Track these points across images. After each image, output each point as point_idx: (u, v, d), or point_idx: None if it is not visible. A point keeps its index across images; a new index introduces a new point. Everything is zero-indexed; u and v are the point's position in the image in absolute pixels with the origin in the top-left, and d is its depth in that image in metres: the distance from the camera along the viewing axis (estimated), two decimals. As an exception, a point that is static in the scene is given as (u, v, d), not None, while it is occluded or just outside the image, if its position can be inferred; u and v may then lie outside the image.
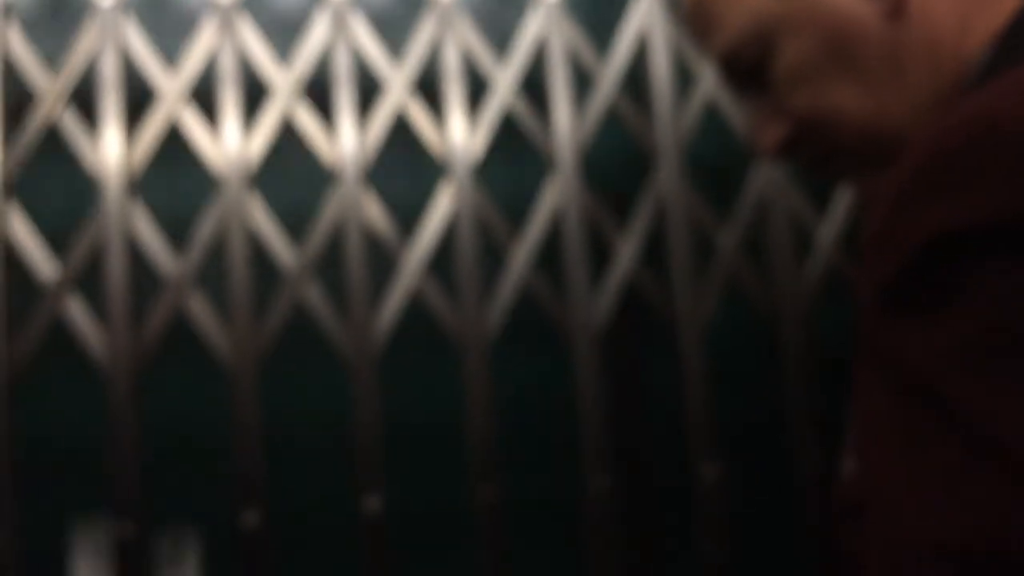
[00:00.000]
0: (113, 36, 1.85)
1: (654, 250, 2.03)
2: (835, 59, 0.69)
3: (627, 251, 1.95)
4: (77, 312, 1.77)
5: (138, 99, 1.94)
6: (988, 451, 0.45)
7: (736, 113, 2.02)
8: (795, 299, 1.97)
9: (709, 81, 2.02)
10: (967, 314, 0.47)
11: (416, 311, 1.97)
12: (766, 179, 2.01)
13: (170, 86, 1.86)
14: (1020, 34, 0.61)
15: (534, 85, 2.06)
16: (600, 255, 2.00)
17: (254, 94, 1.97)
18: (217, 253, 1.90)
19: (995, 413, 0.45)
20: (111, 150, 1.82)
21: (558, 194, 1.93)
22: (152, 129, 1.85)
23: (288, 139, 1.99)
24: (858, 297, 0.54)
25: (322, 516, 1.91)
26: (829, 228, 2.02)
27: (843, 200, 2.03)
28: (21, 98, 1.90)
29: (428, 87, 2.03)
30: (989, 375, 0.46)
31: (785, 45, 0.70)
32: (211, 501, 1.89)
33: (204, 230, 1.83)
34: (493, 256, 1.98)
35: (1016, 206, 0.46)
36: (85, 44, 1.84)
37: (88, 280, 1.85)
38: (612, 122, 2.09)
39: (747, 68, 0.74)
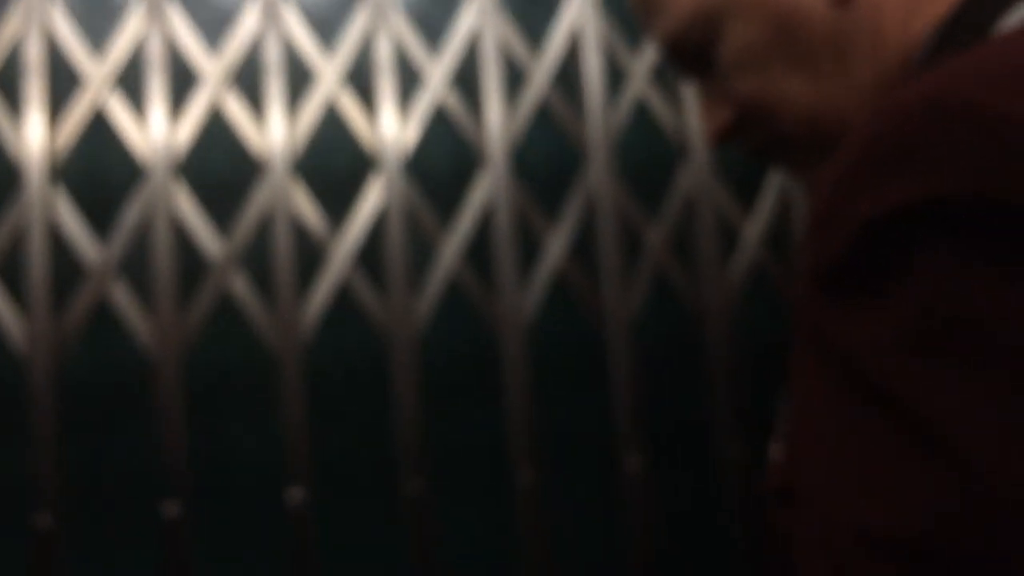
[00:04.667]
0: (38, 19, 1.82)
1: (583, 245, 2.04)
2: (780, 45, 0.68)
3: (556, 245, 1.96)
4: (-4, 299, 1.74)
5: (63, 84, 1.91)
6: (924, 438, 0.44)
7: (666, 111, 2.05)
8: (721, 295, 2.00)
9: (640, 79, 2.04)
10: (908, 300, 0.46)
11: (344, 303, 1.96)
12: (694, 177, 2.03)
13: (96, 71, 1.84)
14: (964, 19, 0.61)
15: (466, 79, 2.06)
16: (529, 249, 2.01)
17: (182, 82, 1.95)
18: (141, 241, 1.88)
19: (932, 401, 0.44)
20: (34, 135, 1.78)
21: (488, 188, 1.94)
22: (77, 115, 1.82)
23: (216, 128, 1.97)
24: (785, 291, 0.54)
25: (246, 507, 1.90)
26: (755, 226, 2.05)
27: (769, 199, 2.06)
28: (-59, 80, 1.86)
29: (360, 79, 2.02)
30: (928, 362, 0.45)
31: (730, 30, 0.70)
32: (132, 491, 1.86)
33: (129, 218, 1.81)
34: (422, 249, 1.99)
35: (957, 188, 0.45)
36: (10, 27, 1.81)
37: (8, 267, 1.81)
38: (543, 117, 2.11)
39: (692, 53, 0.73)
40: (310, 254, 1.94)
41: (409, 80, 2.03)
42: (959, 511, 0.42)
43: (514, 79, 2.06)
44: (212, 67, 1.88)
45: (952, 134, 0.46)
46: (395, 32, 1.95)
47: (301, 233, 1.93)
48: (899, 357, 0.45)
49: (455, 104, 1.95)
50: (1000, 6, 0.59)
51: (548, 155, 2.10)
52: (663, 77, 2.08)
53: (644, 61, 2.05)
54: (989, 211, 0.44)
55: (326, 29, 2.04)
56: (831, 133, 0.69)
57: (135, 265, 1.88)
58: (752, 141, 0.74)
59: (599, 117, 2.00)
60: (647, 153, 2.14)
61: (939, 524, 0.43)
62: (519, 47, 1.99)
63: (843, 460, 0.47)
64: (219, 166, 1.96)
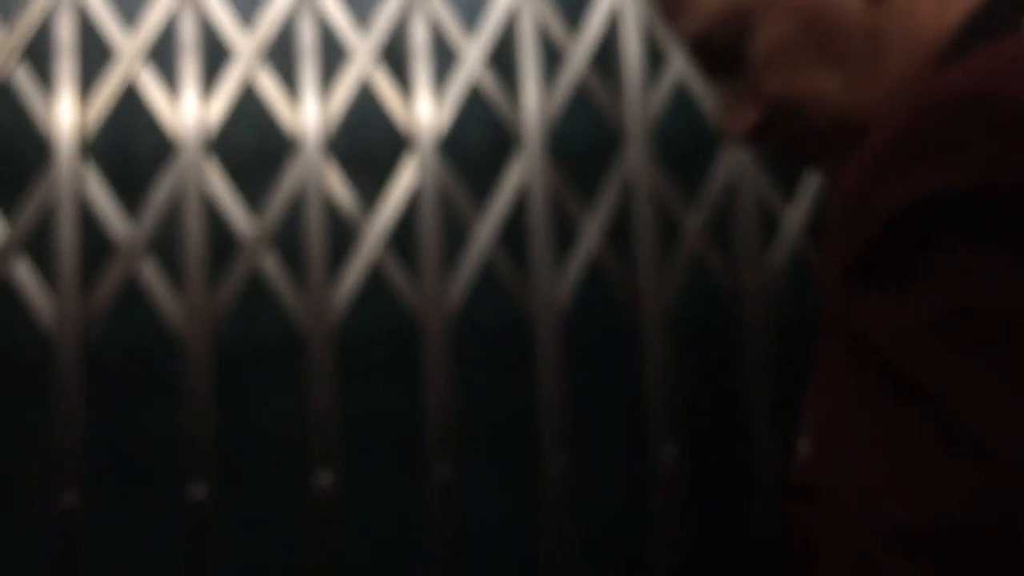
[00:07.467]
0: (70, -7, 1.79)
1: (619, 230, 2.00)
2: (812, 43, 0.68)
3: (592, 230, 1.92)
4: (25, 275, 1.72)
5: (94, 59, 1.89)
6: (949, 428, 0.44)
7: (706, 95, 2.00)
8: (760, 283, 1.95)
9: (680, 62, 2.00)
10: (935, 290, 0.46)
11: (376, 284, 1.93)
12: (734, 162, 1.99)
13: (128, 46, 1.81)
14: (994, 10, 0.61)
15: (503, 60, 2.02)
16: (565, 233, 1.97)
17: (215, 58, 1.92)
18: (172, 218, 1.86)
19: (959, 393, 0.44)
20: (64, 110, 1.76)
21: (524, 170, 1.90)
22: (108, 90, 1.80)
23: (249, 105, 1.94)
24: (822, 279, 0.53)
25: (273, 488, 1.87)
26: (795, 213, 2.00)
27: (810, 186, 2.01)
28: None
29: (394, 57, 1.99)
30: (954, 351, 0.45)
31: (762, 27, 0.69)
32: (159, 472, 1.84)
33: (159, 195, 1.79)
34: (456, 231, 1.95)
35: (982, 179, 0.45)
36: (41, 0, 1.79)
37: (38, 243, 1.79)
38: (581, 99, 2.07)
39: (719, 50, 0.72)
40: (342, 234, 1.91)
41: (445, 59, 2.00)
42: (983, 501, 0.42)
43: (551, 60, 2.02)
44: (245, 43, 1.85)
45: (977, 126, 0.46)
46: (431, 10, 1.91)
47: (333, 212, 1.90)
48: (925, 346, 0.45)
49: (491, 84, 1.92)
50: None
51: (585, 137, 2.06)
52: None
53: (684, 43, 2.00)
54: (1013, 202, 0.44)
55: (361, 6, 2.01)
56: (863, 130, 0.68)
57: (165, 242, 1.86)
58: (782, 139, 0.73)
59: (638, 99, 1.96)
60: (687, 136, 2.09)
61: (963, 514, 0.43)
62: (557, 27, 1.95)
63: (868, 449, 0.46)
64: (251, 144, 1.93)
